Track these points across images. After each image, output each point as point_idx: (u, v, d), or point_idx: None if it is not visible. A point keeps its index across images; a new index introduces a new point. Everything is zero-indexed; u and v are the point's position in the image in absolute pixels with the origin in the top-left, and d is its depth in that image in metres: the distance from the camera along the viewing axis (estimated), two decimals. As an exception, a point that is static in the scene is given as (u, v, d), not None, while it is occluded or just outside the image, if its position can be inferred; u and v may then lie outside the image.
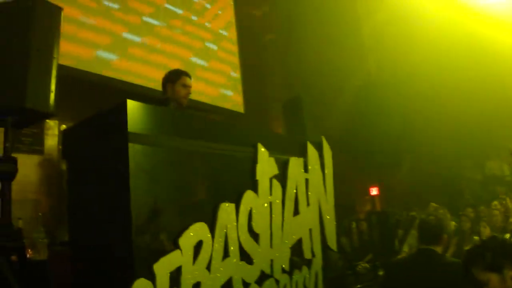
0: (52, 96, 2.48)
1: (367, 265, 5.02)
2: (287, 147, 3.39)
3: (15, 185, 2.43)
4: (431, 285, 2.67)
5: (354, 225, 7.46)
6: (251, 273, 2.76)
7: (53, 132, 5.59)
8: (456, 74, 8.01)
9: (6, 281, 2.21)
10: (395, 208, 7.77)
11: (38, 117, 2.63)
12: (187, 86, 3.56)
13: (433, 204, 6.04)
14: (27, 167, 2.54)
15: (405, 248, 5.86)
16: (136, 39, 6.42)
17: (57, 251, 3.84)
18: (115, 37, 6.13)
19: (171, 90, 3.52)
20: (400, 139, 8.63)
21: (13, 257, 2.41)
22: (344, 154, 5.26)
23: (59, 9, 2.60)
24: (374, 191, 10.02)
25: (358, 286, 4.48)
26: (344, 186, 4.29)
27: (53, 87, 2.50)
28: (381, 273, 4.23)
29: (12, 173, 2.41)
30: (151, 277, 2.09)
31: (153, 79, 5.57)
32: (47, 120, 5.31)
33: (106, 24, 6.04)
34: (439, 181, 8.77)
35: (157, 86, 3.86)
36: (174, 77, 3.60)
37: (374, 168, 9.32)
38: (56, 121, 5.52)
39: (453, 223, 5.71)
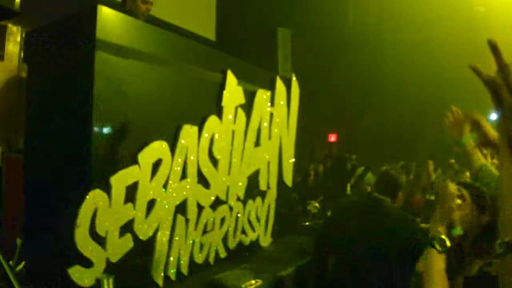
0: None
1: (317, 205, 5.16)
2: (256, 79, 3.36)
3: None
4: (372, 233, 2.49)
5: (311, 166, 7.60)
6: (206, 197, 2.80)
7: (14, 38, 5.32)
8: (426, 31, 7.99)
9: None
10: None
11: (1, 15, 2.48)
12: (147, 2, 3.54)
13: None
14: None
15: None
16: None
17: (12, 158, 3.74)
18: None
19: (131, 3, 3.46)
20: (366, 91, 8.67)
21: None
22: (310, 99, 5.25)
23: None
24: (332, 138, 10.36)
25: (307, 223, 4.62)
26: (305, 132, 4.30)
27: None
28: (329, 214, 4.37)
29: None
30: (107, 189, 2.09)
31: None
32: (10, 25, 5.05)
33: None
34: (398, 135, 8.97)
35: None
36: None
37: (336, 116, 9.44)
38: (19, 27, 5.26)
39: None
